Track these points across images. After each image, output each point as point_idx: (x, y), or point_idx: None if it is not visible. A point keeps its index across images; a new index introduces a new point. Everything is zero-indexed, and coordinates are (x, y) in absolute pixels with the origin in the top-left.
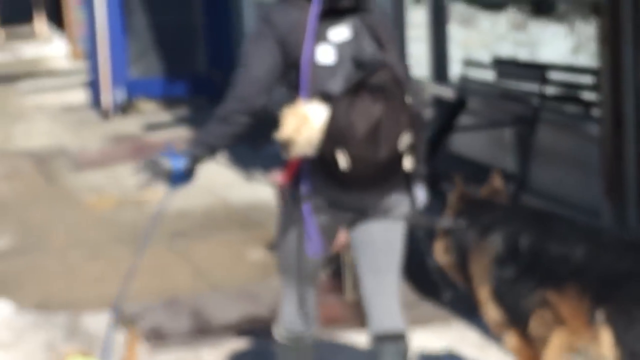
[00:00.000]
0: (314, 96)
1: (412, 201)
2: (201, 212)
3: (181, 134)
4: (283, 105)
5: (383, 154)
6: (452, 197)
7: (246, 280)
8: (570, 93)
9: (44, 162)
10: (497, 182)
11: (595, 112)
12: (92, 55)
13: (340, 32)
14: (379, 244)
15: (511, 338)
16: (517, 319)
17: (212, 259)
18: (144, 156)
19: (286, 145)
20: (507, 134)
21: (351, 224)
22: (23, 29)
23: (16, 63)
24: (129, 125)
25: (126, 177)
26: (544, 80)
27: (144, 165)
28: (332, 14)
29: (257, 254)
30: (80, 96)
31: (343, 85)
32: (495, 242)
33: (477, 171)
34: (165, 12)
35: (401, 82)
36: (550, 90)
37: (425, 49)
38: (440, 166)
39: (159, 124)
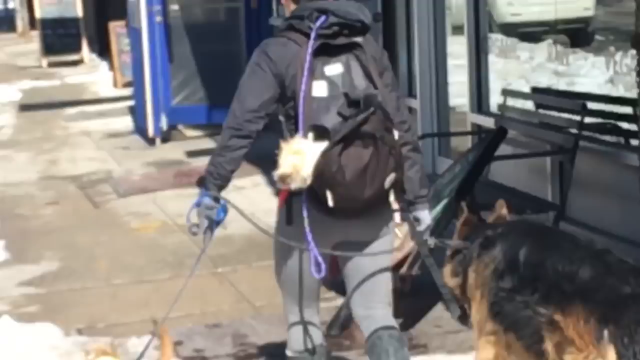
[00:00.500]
0: (309, 129)
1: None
2: (244, 238)
3: None
4: (281, 138)
5: (368, 194)
6: (458, 223)
7: None
8: (609, 123)
9: (89, 187)
10: (502, 209)
11: (635, 141)
12: (137, 82)
13: (335, 68)
14: (367, 267)
15: None
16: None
17: (254, 284)
18: (188, 182)
19: (282, 180)
20: (547, 164)
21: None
22: (69, 56)
23: (62, 89)
24: (173, 151)
25: (170, 202)
26: (583, 110)
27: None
28: (327, 50)
29: None
30: (125, 122)
31: (336, 123)
32: (494, 259)
33: (517, 200)
34: (210, 40)
35: (389, 123)
36: (589, 120)
37: (466, 78)
38: (480, 195)
39: (202, 151)
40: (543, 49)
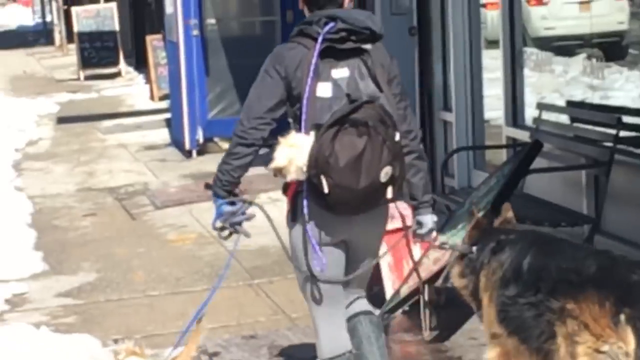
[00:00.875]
0: (311, 127)
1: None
2: (280, 249)
3: (261, 172)
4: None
5: (363, 184)
6: (469, 227)
7: None
8: None
9: (126, 199)
10: (508, 213)
11: None
12: (173, 95)
13: (342, 72)
14: (360, 261)
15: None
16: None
17: (290, 295)
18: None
19: (278, 172)
20: (582, 177)
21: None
22: (106, 69)
23: (99, 102)
24: (210, 164)
25: (206, 214)
26: (618, 124)
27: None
28: (335, 54)
29: None
30: (161, 135)
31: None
32: (502, 266)
33: (552, 213)
34: (246, 54)
35: (387, 119)
36: (624, 133)
37: (501, 92)
38: (515, 208)
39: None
40: (577, 63)
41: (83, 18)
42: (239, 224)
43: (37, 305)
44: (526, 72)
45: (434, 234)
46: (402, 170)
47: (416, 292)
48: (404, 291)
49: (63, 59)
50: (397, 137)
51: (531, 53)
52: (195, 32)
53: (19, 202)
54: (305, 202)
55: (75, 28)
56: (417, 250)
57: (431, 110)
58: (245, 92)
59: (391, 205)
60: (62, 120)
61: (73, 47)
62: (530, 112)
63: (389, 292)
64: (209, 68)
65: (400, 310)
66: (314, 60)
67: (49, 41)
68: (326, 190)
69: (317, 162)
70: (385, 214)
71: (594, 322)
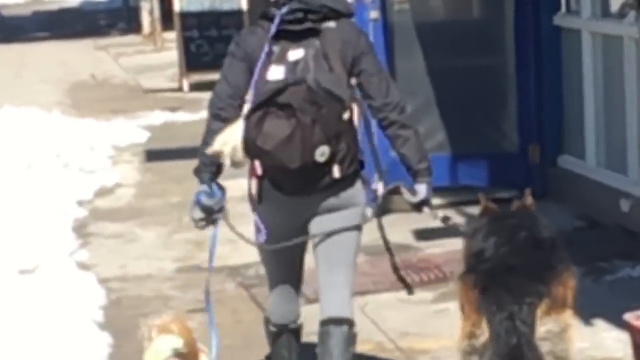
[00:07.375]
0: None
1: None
2: None
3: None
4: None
5: (297, 164)
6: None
7: None
8: None
9: (256, 285)
10: (528, 199)
11: None
12: None
13: (298, 53)
14: (329, 241)
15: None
16: None
17: None
18: (420, 281)
19: (218, 156)
20: None
21: (307, 223)
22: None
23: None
24: (396, 229)
25: (388, 312)
26: None
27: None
28: (292, 35)
29: None
30: None
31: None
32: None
33: None
34: (455, 50)
35: (321, 99)
36: None
37: None
38: None
39: (445, 232)
40: None
41: None
42: (214, 221)
43: None
44: None
45: (427, 205)
46: (348, 147)
47: None
48: None
49: (156, 56)
50: (346, 115)
51: None
52: (374, 14)
53: (85, 289)
54: (256, 187)
55: (177, 7)
56: None
57: None
58: (453, 114)
59: None
60: (153, 155)
61: (172, 36)
62: None
63: None
64: (396, 70)
65: None
66: (267, 44)
67: (133, 27)
68: (259, 172)
69: (248, 146)
70: (339, 190)
71: (468, 305)
